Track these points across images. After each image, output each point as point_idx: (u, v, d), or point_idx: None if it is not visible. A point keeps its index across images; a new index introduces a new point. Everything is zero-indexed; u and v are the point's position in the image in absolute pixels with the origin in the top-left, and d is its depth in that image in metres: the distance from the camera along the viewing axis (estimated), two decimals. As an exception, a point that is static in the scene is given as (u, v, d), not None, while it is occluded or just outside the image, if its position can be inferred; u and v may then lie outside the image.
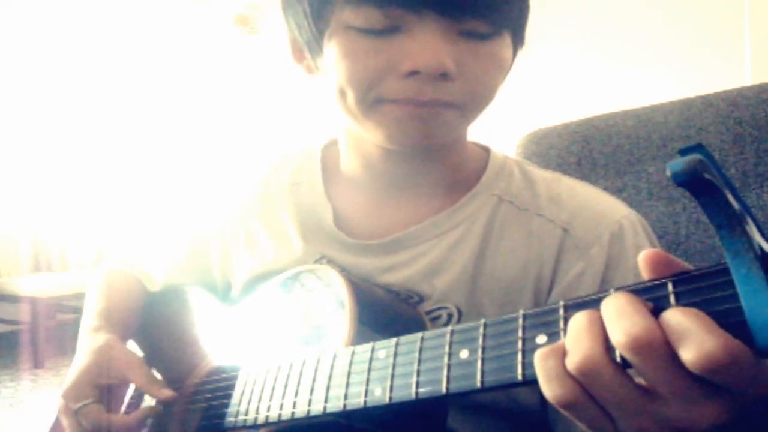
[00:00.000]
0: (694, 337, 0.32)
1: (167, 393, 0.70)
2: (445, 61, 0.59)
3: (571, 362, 0.36)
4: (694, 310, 0.33)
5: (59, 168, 3.98)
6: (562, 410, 0.38)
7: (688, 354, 0.32)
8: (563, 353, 0.37)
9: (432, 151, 0.70)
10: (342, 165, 0.77)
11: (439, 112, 0.62)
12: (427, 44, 0.59)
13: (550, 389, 0.37)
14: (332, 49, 0.63)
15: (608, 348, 0.36)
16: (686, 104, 1.00)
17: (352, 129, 0.70)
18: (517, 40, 0.66)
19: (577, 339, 0.37)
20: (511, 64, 0.68)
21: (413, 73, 0.59)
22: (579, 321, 0.37)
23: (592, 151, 1.04)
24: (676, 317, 0.34)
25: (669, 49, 2.74)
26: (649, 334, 0.34)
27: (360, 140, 0.72)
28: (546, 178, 0.73)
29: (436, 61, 0.58)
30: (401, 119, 0.62)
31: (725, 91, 0.98)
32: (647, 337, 0.34)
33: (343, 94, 0.64)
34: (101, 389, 0.72)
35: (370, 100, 0.62)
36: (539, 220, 0.69)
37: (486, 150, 0.76)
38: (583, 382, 0.36)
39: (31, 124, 3.93)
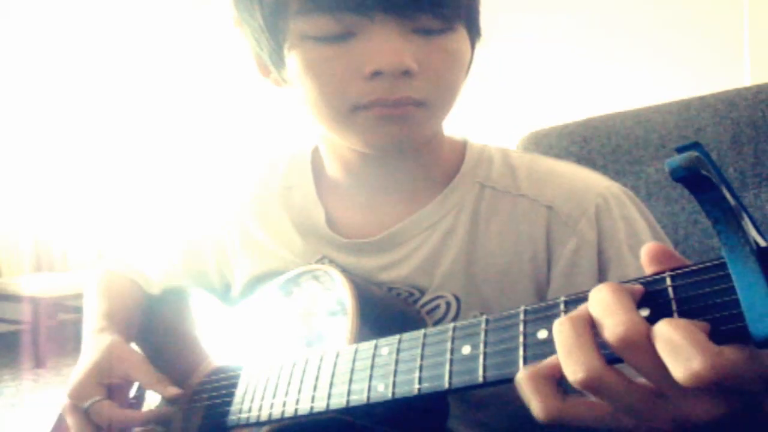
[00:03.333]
0: (682, 354, 0.32)
1: (174, 390, 0.71)
2: (404, 59, 0.60)
3: (575, 377, 0.36)
4: (683, 322, 0.33)
5: (60, 168, 3.98)
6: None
7: (676, 372, 0.33)
8: (555, 368, 0.38)
9: (409, 152, 0.70)
10: (326, 169, 0.77)
11: (409, 113, 0.62)
12: (383, 44, 0.60)
13: (540, 410, 0.38)
14: (293, 60, 0.64)
15: (601, 350, 0.36)
16: (685, 105, 1.00)
17: (328, 136, 0.71)
18: (473, 32, 0.67)
19: (569, 353, 0.36)
20: (471, 57, 0.69)
21: (376, 74, 0.60)
22: (565, 332, 0.37)
23: (591, 151, 1.04)
24: (665, 330, 0.34)
25: (668, 50, 2.74)
26: (635, 330, 0.34)
27: (337, 146, 0.73)
28: (525, 160, 0.74)
29: (395, 59, 0.59)
30: (376, 124, 0.63)
31: (723, 92, 0.99)
32: (634, 334, 0.34)
33: (316, 105, 0.64)
34: (107, 388, 0.72)
35: (345, 110, 0.63)
36: (523, 201, 0.70)
37: (463, 141, 0.77)
38: (589, 393, 0.37)
39: (32, 124, 3.93)
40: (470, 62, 0.68)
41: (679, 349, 0.33)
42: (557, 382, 0.38)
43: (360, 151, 0.69)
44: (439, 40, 0.62)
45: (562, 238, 0.67)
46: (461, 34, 0.64)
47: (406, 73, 0.60)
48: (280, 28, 0.63)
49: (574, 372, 0.36)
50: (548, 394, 0.37)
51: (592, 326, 0.37)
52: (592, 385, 0.36)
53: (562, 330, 0.37)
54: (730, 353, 0.33)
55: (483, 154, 0.75)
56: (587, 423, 0.38)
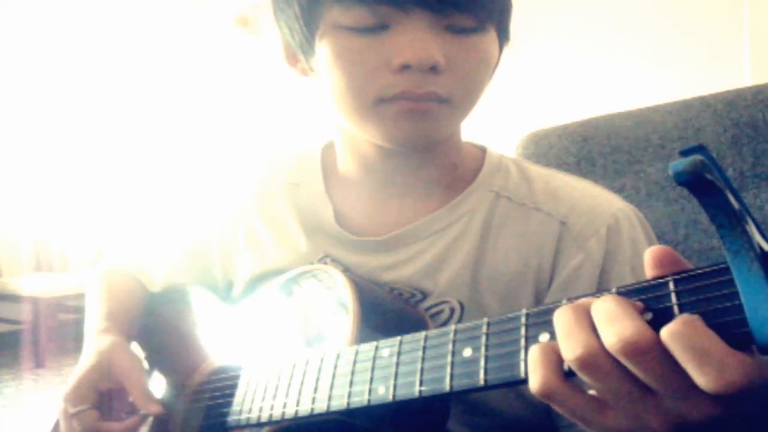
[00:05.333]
0: (713, 362, 0.32)
1: (154, 408, 0.71)
2: (433, 54, 0.61)
3: (572, 356, 0.37)
4: (703, 327, 0.33)
5: (60, 168, 3.98)
6: (550, 403, 0.39)
7: (705, 379, 0.32)
8: (555, 348, 0.38)
9: (427, 150, 0.71)
10: (339, 166, 0.77)
11: (432, 109, 0.63)
12: (415, 39, 0.61)
13: (535, 378, 0.38)
14: (324, 49, 0.64)
15: (599, 338, 0.37)
16: (685, 105, 1.00)
17: (348, 129, 0.71)
18: (502, 35, 0.68)
19: (569, 333, 0.37)
20: (498, 60, 0.70)
21: (405, 68, 0.61)
22: (566, 316, 0.38)
23: (591, 151, 1.04)
24: (687, 334, 0.33)
25: (668, 50, 2.74)
26: (641, 336, 0.34)
27: (356, 140, 0.73)
28: (542, 174, 0.75)
29: (425, 54, 0.60)
30: (398, 118, 0.64)
31: (723, 92, 0.99)
32: (639, 340, 0.34)
33: (341, 95, 0.65)
34: (101, 393, 0.72)
35: (370, 102, 0.64)
36: (537, 214, 0.70)
37: (482, 149, 0.77)
38: (583, 375, 0.37)
39: (32, 124, 3.92)
40: (496, 65, 0.69)
41: (707, 356, 0.32)
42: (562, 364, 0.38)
43: (379, 145, 0.69)
44: (470, 40, 0.63)
45: (570, 253, 0.68)
46: (491, 36, 0.65)
47: (434, 69, 0.61)
48: (315, 17, 0.64)
49: (572, 350, 0.37)
50: (552, 369, 0.38)
51: (591, 317, 0.37)
52: (588, 364, 0.36)
53: (562, 314, 0.38)
54: (750, 361, 0.33)
55: (501, 164, 0.75)
56: (578, 413, 0.38)
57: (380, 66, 0.62)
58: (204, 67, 4.17)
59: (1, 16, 3.75)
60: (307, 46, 0.67)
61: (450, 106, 0.64)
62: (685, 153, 0.31)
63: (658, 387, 0.35)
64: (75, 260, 3.85)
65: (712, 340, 0.33)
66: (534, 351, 0.39)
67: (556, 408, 0.39)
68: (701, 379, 0.33)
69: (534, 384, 0.38)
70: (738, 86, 1.01)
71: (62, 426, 0.71)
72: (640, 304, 0.37)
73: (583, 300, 0.39)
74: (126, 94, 4.12)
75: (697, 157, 0.30)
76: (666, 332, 0.34)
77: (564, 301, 0.40)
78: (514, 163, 0.76)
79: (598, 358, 0.36)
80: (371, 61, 0.62)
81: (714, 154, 0.95)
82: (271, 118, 4.09)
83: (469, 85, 0.65)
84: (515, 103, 2.83)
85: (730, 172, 0.94)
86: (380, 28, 0.62)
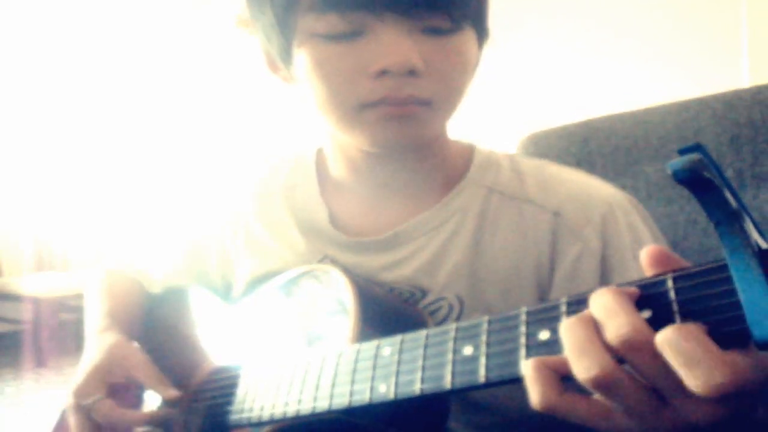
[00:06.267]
0: (701, 366, 0.32)
1: (174, 392, 0.71)
2: (411, 58, 0.60)
3: (586, 375, 0.36)
4: (693, 330, 0.33)
5: (61, 168, 3.98)
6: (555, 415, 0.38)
7: (694, 382, 0.32)
8: (561, 364, 0.38)
9: (414, 151, 0.71)
10: (330, 169, 0.78)
11: (414, 112, 0.63)
12: (391, 44, 0.60)
13: (537, 394, 0.38)
14: (302, 57, 0.64)
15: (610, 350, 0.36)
16: (683, 106, 1.00)
17: (335, 135, 0.72)
18: (481, 33, 0.68)
19: (582, 351, 0.36)
20: (479, 59, 0.69)
21: (383, 73, 0.61)
22: (577, 332, 0.37)
23: (590, 152, 1.04)
24: (674, 338, 0.33)
25: (667, 51, 2.74)
26: (637, 332, 0.35)
27: (344, 145, 0.73)
28: (534, 166, 0.75)
29: (402, 58, 0.60)
30: (382, 123, 0.64)
31: (722, 93, 0.99)
32: (636, 335, 0.34)
33: (323, 103, 0.65)
34: (111, 388, 0.72)
35: (352, 108, 0.64)
36: (530, 207, 0.70)
37: (470, 146, 0.77)
38: (600, 394, 0.37)
39: (32, 124, 3.93)
40: (477, 63, 0.69)
41: (696, 361, 0.32)
42: (560, 378, 0.38)
43: (366, 150, 0.69)
44: (447, 41, 0.63)
45: (567, 244, 0.68)
46: (469, 35, 0.65)
47: (413, 73, 0.61)
48: (290, 25, 0.64)
49: (587, 370, 0.36)
50: (550, 385, 0.38)
51: (597, 327, 0.37)
52: (604, 383, 0.36)
53: (573, 329, 0.37)
54: (741, 361, 0.33)
55: (491, 159, 0.75)
56: (583, 419, 0.38)
57: (358, 72, 0.62)
58: (205, 68, 4.16)
59: (1, 16, 3.75)
60: (286, 54, 0.67)
61: (432, 108, 0.64)
62: (683, 152, 0.32)
63: (662, 385, 0.35)
64: (76, 260, 3.85)
65: (700, 343, 0.33)
66: (528, 369, 0.38)
67: (561, 418, 0.39)
68: (691, 383, 0.33)
69: (535, 401, 0.38)
70: (737, 87, 1.01)
71: (73, 420, 0.71)
72: (634, 289, 0.37)
73: (587, 311, 0.38)
74: (126, 95, 4.12)
75: (695, 155, 0.31)
76: (659, 338, 0.34)
77: (563, 299, 0.40)
78: (506, 158, 0.76)
79: (615, 378, 0.36)
80: (349, 68, 0.62)
81: (713, 155, 0.95)
82: (271, 119, 4.09)
83: (450, 86, 0.65)
84: (515, 103, 2.84)
85: (729, 172, 0.95)
86: (355, 34, 0.61)
